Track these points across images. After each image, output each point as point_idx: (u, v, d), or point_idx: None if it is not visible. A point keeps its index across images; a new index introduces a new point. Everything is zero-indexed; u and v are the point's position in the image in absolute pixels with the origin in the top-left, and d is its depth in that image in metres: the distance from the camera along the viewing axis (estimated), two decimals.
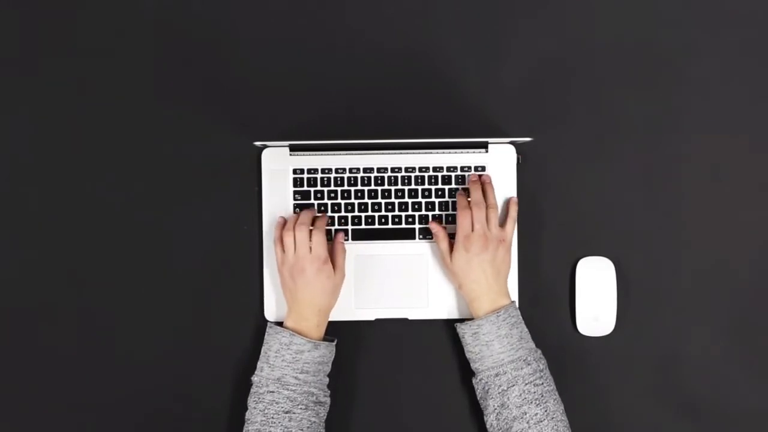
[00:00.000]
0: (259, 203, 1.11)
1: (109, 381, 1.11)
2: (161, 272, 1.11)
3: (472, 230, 1.04)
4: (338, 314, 1.08)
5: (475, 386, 1.04)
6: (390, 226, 1.10)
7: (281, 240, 1.06)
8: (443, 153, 1.10)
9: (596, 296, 1.11)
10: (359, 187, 1.11)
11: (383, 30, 1.13)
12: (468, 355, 1.05)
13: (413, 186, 1.11)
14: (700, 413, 1.12)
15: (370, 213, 1.11)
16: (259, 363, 1.03)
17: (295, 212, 1.10)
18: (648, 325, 1.12)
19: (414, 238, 1.10)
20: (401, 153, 1.10)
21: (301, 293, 1.04)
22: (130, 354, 1.11)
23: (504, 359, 1.01)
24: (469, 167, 1.10)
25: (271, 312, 1.10)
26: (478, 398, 1.04)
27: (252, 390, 1.02)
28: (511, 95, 1.13)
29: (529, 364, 1.00)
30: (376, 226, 1.11)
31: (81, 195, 1.12)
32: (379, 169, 1.11)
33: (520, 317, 1.04)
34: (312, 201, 1.11)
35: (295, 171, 1.11)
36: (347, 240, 1.10)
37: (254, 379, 1.03)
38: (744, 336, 1.12)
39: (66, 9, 1.12)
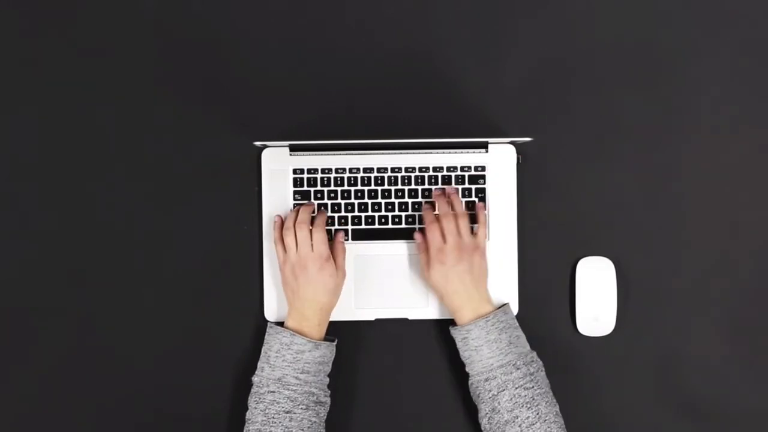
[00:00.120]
0: (259, 203, 1.11)
1: (109, 381, 1.11)
2: (161, 272, 1.11)
3: (445, 242, 1.04)
4: (338, 314, 1.08)
5: (469, 389, 1.04)
6: (390, 226, 1.10)
7: (282, 240, 1.06)
8: (443, 153, 1.10)
9: (596, 296, 1.11)
10: (359, 187, 1.11)
11: (383, 30, 1.13)
12: (461, 358, 1.05)
13: (413, 186, 1.11)
14: (700, 413, 1.12)
15: (370, 213, 1.11)
16: (259, 363, 1.03)
17: (293, 209, 1.09)
18: (648, 325, 1.12)
19: (414, 238, 1.10)
20: (401, 153, 1.10)
21: (303, 291, 1.04)
22: (129, 354, 1.11)
23: (493, 364, 1.01)
24: (469, 167, 1.10)
25: (271, 312, 1.10)
26: (473, 400, 1.04)
27: (252, 390, 1.02)
28: (511, 95, 1.13)
29: (518, 369, 1.00)
30: (376, 226, 1.11)
31: (81, 195, 1.12)
32: (379, 169, 1.11)
33: (512, 322, 1.04)
34: (312, 200, 1.11)
35: (295, 171, 1.11)
36: (347, 240, 1.10)
37: (255, 379, 1.03)
38: (744, 336, 1.12)
39: (66, 9, 1.12)
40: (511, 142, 1.10)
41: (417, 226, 1.10)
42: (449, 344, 1.08)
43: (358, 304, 1.11)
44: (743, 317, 1.12)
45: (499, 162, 1.11)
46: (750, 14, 1.13)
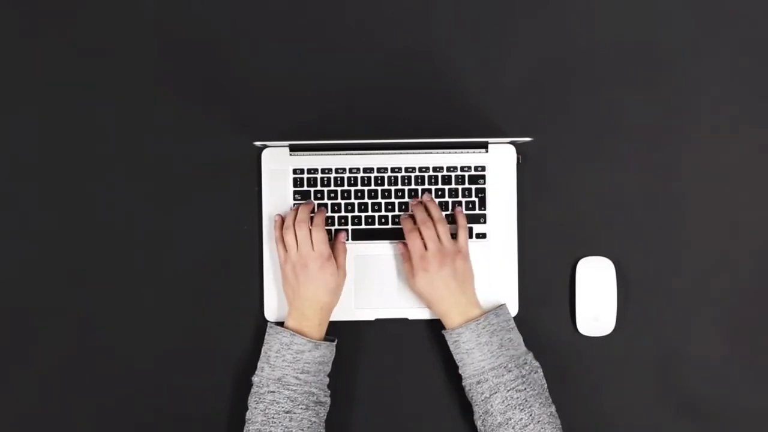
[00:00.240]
0: (259, 203, 1.11)
1: (109, 381, 1.11)
2: (161, 272, 1.11)
3: (426, 249, 1.04)
4: (338, 314, 1.08)
5: (464, 390, 1.05)
6: (390, 226, 1.10)
7: (282, 239, 1.06)
8: (443, 153, 1.10)
9: (596, 296, 1.11)
10: (359, 187, 1.11)
11: (383, 30, 1.13)
12: (455, 360, 1.05)
13: (413, 186, 1.11)
14: (700, 413, 1.12)
15: (370, 213, 1.11)
16: (259, 363, 1.03)
17: (292, 208, 1.09)
18: (648, 325, 1.12)
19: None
20: (401, 153, 1.10)
21: (304, 289, 1.04)
22: (129, 354, 1.11)
23: (484, 367, 1.01)
24: (469, 167, 1.10)
25: (271, 312, 1.10)
26: (469, 401, 1.04)
27: (252, 390, 1.02)
28: (511, 95, 1.13)
29: (510, 371, 1.00)
30: (376, 226, 1.11)
31: (81, 195, 1.12)
32: (379, 169, 1.11)
33: (505, 324, 1.04)
34: (311, 199, 1.11)
35: (295, 171, 1.11)
36: (347, 240, 1.10)
37: (255, 379, 1.03)
38: (744, 336, 1.12)
39: (66, 9, 1.12)
40: (511, 142, 1.10)
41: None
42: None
43: (358, 304, 1.11)
44: (743, 317, 1.12)
45: (499, 162, 1.11)
46: (750, 14, 1.13)
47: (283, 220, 1.08)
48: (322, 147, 1.09)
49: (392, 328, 1.11)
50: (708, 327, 1.12)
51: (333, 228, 1.10)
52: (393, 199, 1.11)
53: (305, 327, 1.03)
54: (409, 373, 1.12)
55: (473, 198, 1.11)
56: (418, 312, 1.11)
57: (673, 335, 1.12)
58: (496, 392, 1.00)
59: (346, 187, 1.11)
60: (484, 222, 1.11)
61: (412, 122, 1.12)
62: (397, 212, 1.10)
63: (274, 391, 1.00)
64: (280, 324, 1.06)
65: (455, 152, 1.10)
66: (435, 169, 1.11)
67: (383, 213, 1.11)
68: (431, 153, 1.10)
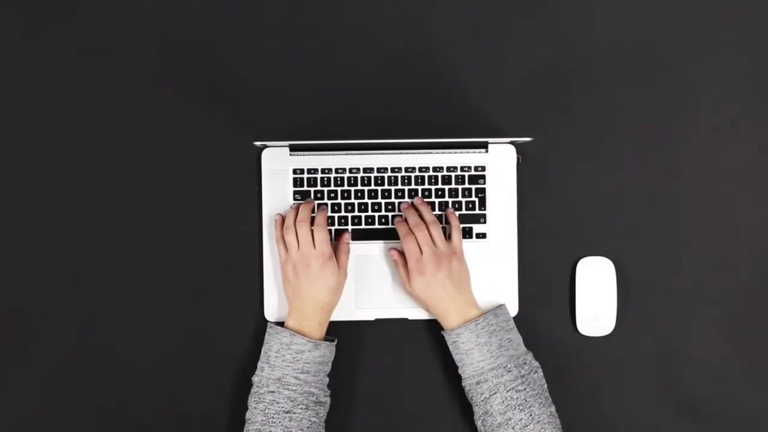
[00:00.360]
0: (259, 203, 1.11)
1: (109, 381, 1.11)
2: (161, 272, 1.11)
3: (421, 253, 1.04)
4: (338, 314, 1.08)
5: (464, 390, 1.05)
6: (390, 226, 1.10)
7: (283, 239, 1.06)
8: (443, 153, 1.10)
9: (596, 296, 1.11)
10: (359, 187, 1.11)
11: (383, 30, 1.13)
12: (455, 361, 1.05)
13: (413, 186, 1.11)
14: (700, 413, 1.12)
15: (370, 213, 1.11)
16: (259, 363, 1.03)
17: (292, 207, 1.09)
18: (648, 325, 1.12)
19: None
20: (401, 153, 1.10)
21: (305, 289, 1.04)
22: (129, 354, 1.11)
23: (484, 367, 1.01)
24: (469, 167, 1.10)
25: (271, 312, 1.10)
26: (469, 401, 1.04)
27: (252, 390, 1.02)
28: (511, 95, 1.13)
29: (509, 371, 1.00)
30: (376, 226, 1.11)
31: (81, 195, 1.12)
32: (379, 169, 1.11)
33: (504, 324, 1.04)
34: (311, 197, 1.11)
35: (295, 171, 1.11)
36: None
37: (255, 379, 1.03)
38: (744, 336, 1.12)
39: (66, 9, 1.12)
40: (511, 142, 1.10)
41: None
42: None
43: (358, 304, 1.11)
44: (743, 317, 1.12)
45: (499, 162, 1.11)
46: (750, 14, 1.13)
47: (283, 219, 1.08)
48: (322, 147, 1.09)
49: (392, 328, 1.11)
50: (708, 327, 1.12)
51: (334, 228, 1.10)
52: (393, 199, 1.11)
53: (305, 327, 1.03)
54: (409, 373, 1.12)
55: (473, 198, 1.11)
56: (418, 312, 1.11)
57: (673, 335, 1.12)
58: (495, 392, 1.00)
59: (346, 187, 1.11)
60: (484, 222, 1.11)
61: (412, 122, 1.12)
62: (397, 212, 1.10)
63: (273, 391, 1.00)
64: (280, 324, 1.06)
65: (455, 152, 1.10)
66: (435, 169, 1.11)
67: (383, 213, 1.11)
68: (431, 153, 1.10)
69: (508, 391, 0.99)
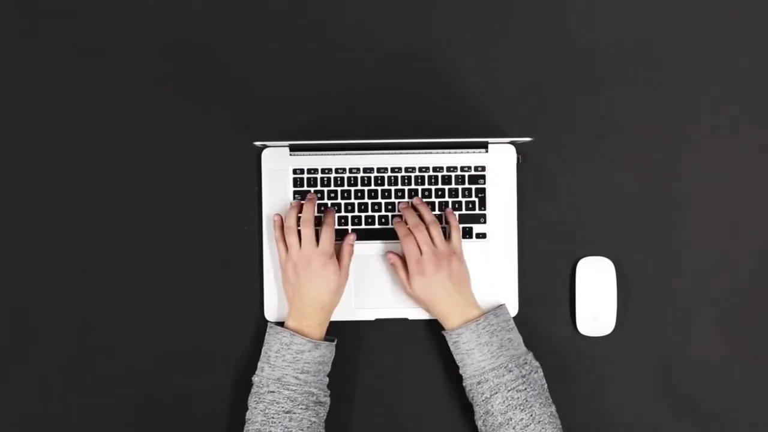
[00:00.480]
0: (259, 203, 1.11)
1: (109, 381, 1.11)
2: (161, 272, 1.11)
3: (421, 254, 1.04)
4: (338, 314, 1.08)
5: (464, 390, 1.05)
6: (390, 226, 1.10)
7: (283, 239, 1.06)
8: (443, 153, 1.10)
9: (596, 296, 1.11)
10: (359, 187, 1.11)
11: (383, 30, 1.13)
12: (456, 361, 1.05)
13: (413, 186, 1.11)
14: (700, 413, 1.12)
15: (370, 213, 1.11)
16: (259, 363, 1.03)
17: (292, 205, 1.09)
18: (648, 325, 1.12)
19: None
20: (401, 153, 1.10)
21: (305, 288, 1.04)
22: (129, 354, 1.11)
23: (485, 367, 1.01)
24: (469, 167, 1.10)
25: (271, 312, 1.10)
26: (469, 401, 1.04)
27: (252, 390, 1.02)
28: (511, 95, 1.13)
29: (510, 371, 1.00)
30: (376, 226, 1.11)
31: (81, 195, 1.12)
32: (379, 169, 1.11)
33: (505, 324, 1.04)
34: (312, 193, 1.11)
35: (295, 171, 1.11)
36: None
37: (255, 379, 1.03)
38: (744, 336, 1.12)
39: (66, 9, 1.12)
40: (511, 142, 1.10)
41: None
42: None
43: (358, 304, 1.11)
44: (743, 317, 1.12)
45: (499, 162, 1.11)
46: (750, 14, 1.13)
47: (283, 219, 1.08)
48: (322, 147, 1.09)
49: (392, 328, 1.11)
50: (708, 327, 1.12)
51: (340, 228, 1.10)
52: (393, 199, 1.11)
53: (305, 327, 1.03)
54: (409, 373, 1.12)
55: (473, 198, 1.11)
56: (418, 312, 1.11)
57: (673, 335, 1.12)
58: (496, 392, 1.00)
59: (346, 187, 1.11)
60: (484, 222, 1.11)
61: (412, 122, 1.12)
62: (397, 212, 1.10)
63: (274, 391, 1.00)
64: (281, 324, 1.06)
65: (455, 152, 1.10)
66: (435, 169, 1.11)
67: (383, 213, 1.11)
68: (431, 153, 1.10)
69: (509, 391, 0.99)
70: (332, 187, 1.10)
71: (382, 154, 1.10)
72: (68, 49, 1.12)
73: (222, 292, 1.12)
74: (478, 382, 1.01)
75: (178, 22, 1.13)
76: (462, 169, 1.11)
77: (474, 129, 1.12)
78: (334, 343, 1.05)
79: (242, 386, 1.06)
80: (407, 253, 1.05)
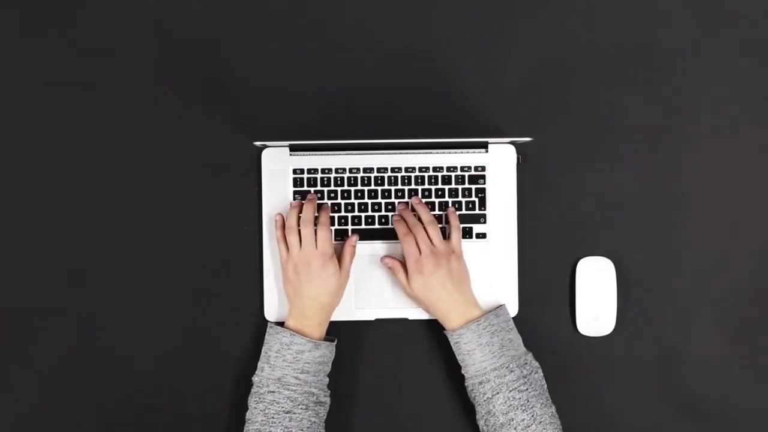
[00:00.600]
0: (259, 203, 1.11)
1: (109, 381, 1.11)
2: (161, 272, 1.11)
3: (420, 253, 1.04)
4: (338, 314, 1.08)
5: (466, 390, 1.05)
6: (390, 226, 1.10)
7: (284, 238, 1.06)
8: (443, 153, 1.10)
9: (596, 296, 1.11)
10: (359, 187, 1.11)
11: (383, 30, 1.13)
12: (458, 361, 1.05)
13: (413, 186, 1.11)
14: (700, 413, 1.12)
15: (370, 213, 1.11)
16: (259, 363, 1.03)
17: (293, 205, 1.09)
18: (648, 325, 1.12)
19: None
20: (401, 153, 1.10)
21: (306, 288, 1.04)
22: (129, 354, 1.11)
23: (486, 367, 1.01)
24: (469, 167, 1.10)
25: (271, 312, 1.10)
26: (471, 401, 1.04)
27: (252, 390, 1.02)
28: (511, 95, 1.13)
29: (512, 371, 1.00)
30: (376, 226, 1.11)
31: (81, 195, 1.12)
32: (379, 169, 1.11)
33: (505, 324, 1.04)
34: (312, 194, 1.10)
35: (295, 171, 1.11)
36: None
37: (255, 379, 1.03)
38: (744, 336, 1.12)
39: (66, 9, 1.12)
40: (511, 142, 1.10)
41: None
42: (449, 344, 1.08)
43: (358, 304, 1.11)
44: (743, 317, 1.12)
45: (499, 162, 1.11)
46: (750, 14, 1.13)
47: (284, 219, 1.08)
48: (322, 147, 1.09)
49: (392, 328, 1.11)
50: (708, 327, 1.12)
51: (334, 228, 1.10)
52: (393, 199, 1.11)
53: (305, 327, 1.03)
54: (409, 373, 1.12)
55: (473, 198, 1.11)
56: (418, 312, 1.11)
57: (673, 335, 1.12)
58: (498, 393, 1.00)
59: (346, 187, 1.11)
60: (484, 222, 1.11)
61: (412, 122, 1.12)
62: (397, 212, 1.10)
63: (274, 391, 1.00)
64: (281, 324, 1.06)
65: (455, 152, 1.10)
66: (435, 169, 1.11)
67: (383, 213, 1.11)
68: (431, 153, 1.10)
69: (510, 391, 0.99)
70: (332, 187, 1.10)
71: (382, 154, 1.10)
72: (68, 49, 1.12)
73: (222, 292, 1.12)
74: (480, 383, 1.01)
75: (178, 22, 1.13)
76: (462, 169, 1.11)
77: (474, 129, 1.12)
78: (334, 343, 1.05)
79: (242, 386, 1.06)
80: (406, 252, 1.05)
